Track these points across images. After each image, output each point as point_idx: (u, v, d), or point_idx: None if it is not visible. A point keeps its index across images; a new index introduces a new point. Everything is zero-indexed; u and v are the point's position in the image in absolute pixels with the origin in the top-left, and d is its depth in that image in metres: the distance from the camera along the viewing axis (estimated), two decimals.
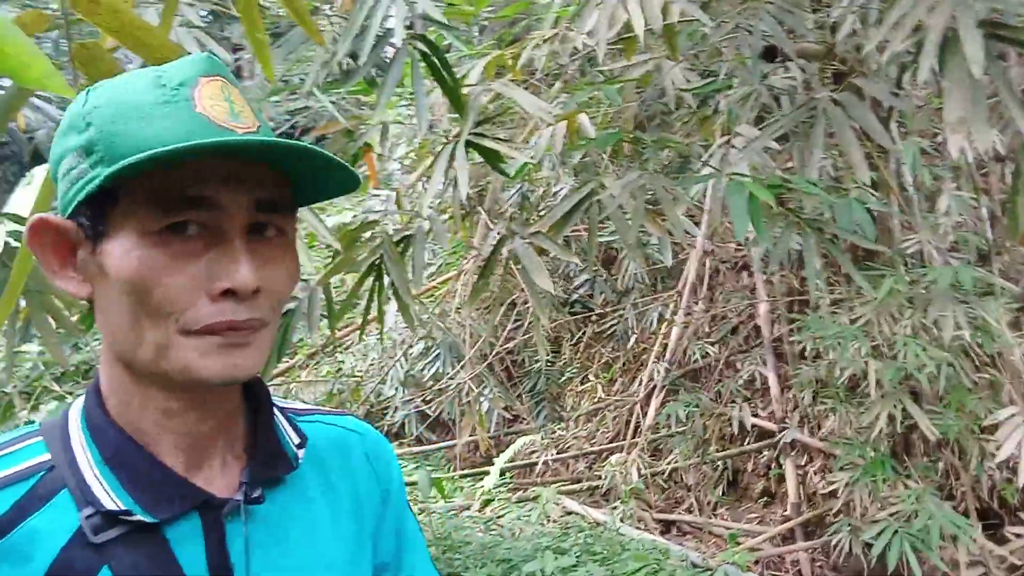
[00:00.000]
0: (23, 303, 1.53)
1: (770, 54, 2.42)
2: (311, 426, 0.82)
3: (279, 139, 0.64)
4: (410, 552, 0.87)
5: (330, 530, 0.77)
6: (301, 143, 0.64)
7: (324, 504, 0.77)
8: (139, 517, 0.65)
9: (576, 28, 2.37)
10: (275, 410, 0.78)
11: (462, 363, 5.23)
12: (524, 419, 6.08)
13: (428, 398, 6.31)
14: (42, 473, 0.66)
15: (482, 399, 5.31)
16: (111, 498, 0.65)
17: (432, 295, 6.22)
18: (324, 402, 4.73)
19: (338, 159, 0.67)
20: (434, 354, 6.14)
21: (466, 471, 5.88)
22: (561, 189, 4.65)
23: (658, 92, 2.95)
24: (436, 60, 2.03)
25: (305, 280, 2.55)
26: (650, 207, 2.29)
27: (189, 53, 0.74)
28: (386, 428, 7.29)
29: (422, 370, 6.22)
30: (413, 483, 4.85)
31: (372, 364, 5.72)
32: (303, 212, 2.24)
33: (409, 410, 6.88)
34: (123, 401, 0.69)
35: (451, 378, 5.60)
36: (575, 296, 6.54)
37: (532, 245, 2.26)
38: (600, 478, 4.85)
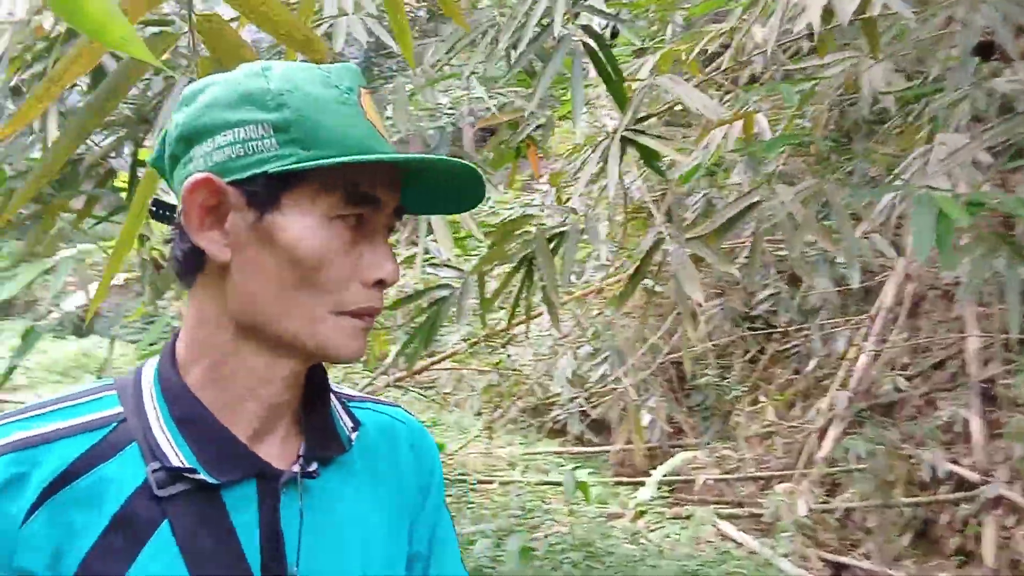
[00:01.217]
0: None
1: (985, 51, 2.09)
2: (362, 412, 0.85)
3: (444, 158, 0.71)
4: (442, 548, 0.88)
5: (373, 512, 0.79)
6: (463, 162, 0.71)
7: (370, 487, 0.80)
8: (201, 476, 0.67)
9: (762, 22, 2.19)
10: (331, 394, 0.81)
11: (626, 368, 5.09)
12: (687, 433, 5.83)
13: (593, 400, 6.25)
14: (114, 425, 0.69)
15: (643, 408, 5.14)
16: (177, 455, 0.68)
17: (605, 296, 6.14)
18: (483, 393, 4.80)
19: (484, 182, 0.74)
20: (602, 356, 6.08)
21: (623, 479, 5.74)
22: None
23: (856, 95, 2.67)
24: (600, 52, 1.95)
25: (459, 269, 2.59)
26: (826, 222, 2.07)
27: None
28: (549, 424, 7.33)
29: (589, 371, 6.17)
30: (559, 483, 4.81)
31: (540, 359, 5.73)
32: None
33: (573, 409, 6.88)
34: (212, 366, 0.71)
35: (616, 382, 5.49)
36: (757, 311, 6.19)
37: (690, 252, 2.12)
38: (763, 506, 4.53)
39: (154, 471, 0.67)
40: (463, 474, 5.45)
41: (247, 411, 0.72)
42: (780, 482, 4.74)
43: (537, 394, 6.92)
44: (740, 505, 4.99)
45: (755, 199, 2.15)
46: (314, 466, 0.74)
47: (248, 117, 0.67)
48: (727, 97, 2.59)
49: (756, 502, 4.85)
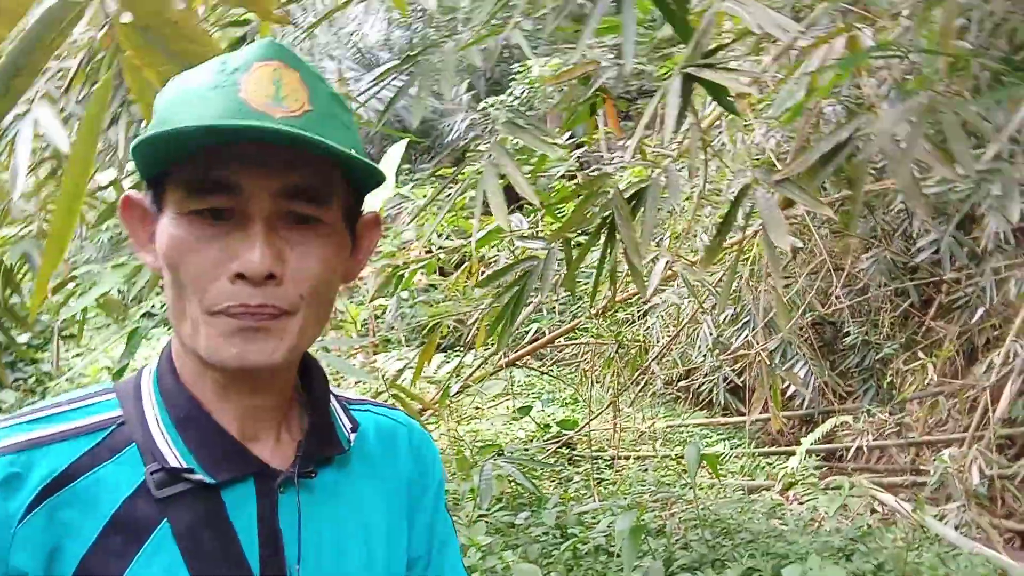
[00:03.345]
0: None
1: None
2: (363, 414, 0.84)
3: (291, 129, 0.62)
4: (442, 551, 0.88)
5: (372, 512, 0.79)
6: (302, 134, 0.62)
7: (369, 487, 0.80)
8: (200, 477, 0.68)
9: None
10: (331, 396, 0.81)
11: (767, 332, 4.75)
12: (843, 397, 5.39)
13: (737, 367, 5.92)
14: (113, 427, 0.70)
15: (789, 373, 4.79)
16: (175, 456, 0.68)
17: (747, 255, 5.78)
18: (605, 366, 4.65)
19: (356, 157, 0.65)
20: (743, 320, 5.75)
21: (771, 449, 5.41)
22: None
23: None
24: None
25: (541, 238, 2.46)
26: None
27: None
28: (691, 395, 7.05)
29: (732, 336, 5.87)
30: (707, 457, 4.57)
31: (671, 328, 5.48)
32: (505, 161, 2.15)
33: (717, 378, 6.57)
34: (187, 370, 0.73)
35: (762, 348, 5.16)
36: (918, 260, 5.59)
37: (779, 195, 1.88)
38: (927, 473, 4.09)
39: (152, 472, 0.67)
40: (599, 450, 5.35)
41: (227, 412, 0.72)
42: (947, 446, 4.26)
43: (680, 364, 6.68)
44: (902, 472, 4.55)
45: (854, 128, 1.87)
46: (311, 466, 0.74)
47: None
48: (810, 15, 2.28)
49: (920, 469, 4.39)
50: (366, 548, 0.77)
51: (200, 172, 0.65)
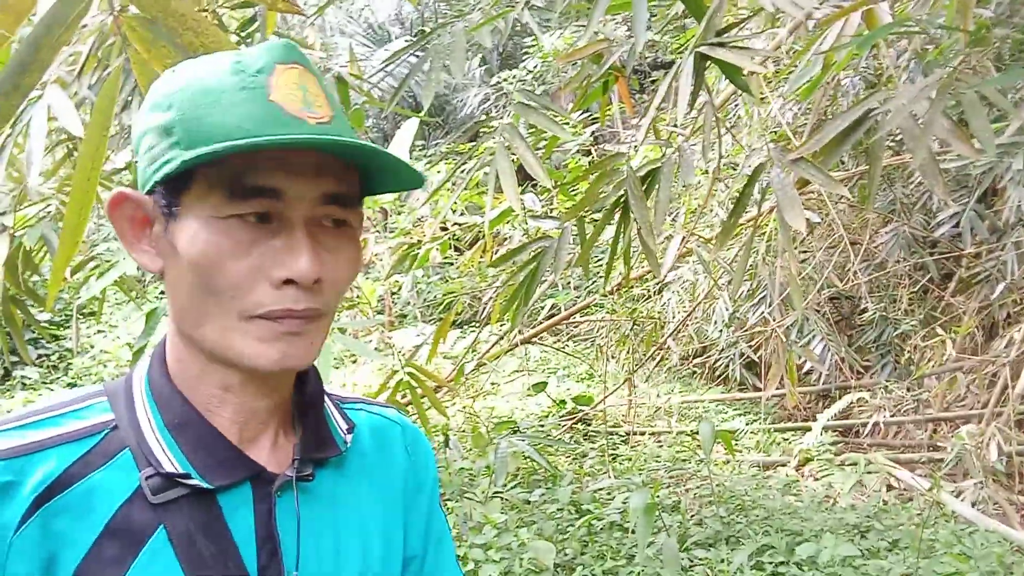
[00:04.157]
0: None
1: None
2: (356, 414, 0.84)
3: (344, 139, 0.63)
4: (437, 550, 0.87)
5: (369, 512, 0.79)
6: (368, 144, 0.64)
7: (365, 487, 0.80)
8: (196, 482, 0.67)
9: None
10: (324, 396, 0.81)
11: (781, 307, 4.72)
12: (860, 373, 5.35)
13: (753, 343, 5.90)
14: (106, 432, 0.69)
15: (805, 348, 4.76)
16: (171, 461, 0.68)
17: (763, 231, 5.73)
18: (620, 344, 4.64)
19: (402, 160, 0.66)
20: (760, 296, 5.72)
21: (787, 425, 5.39)
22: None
23: None
24: None
25: (555, 217, 2.45)
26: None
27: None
28: (706, 371, 7.03)
29: (748, 312, 5.84)
30: (721, 434, 4.57)
31: (687, 303, 5.46)
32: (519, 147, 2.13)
33: (733, 354, 6.55)
34: (185, 372, 0.71)
35: (778, 324, 5.13)
36: (938, 234, 5.51)
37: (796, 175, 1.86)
38: (944, 450, 4.07)
39: (147, 477, 0.67)
40: (614, 426, 5.36)
41: (224, 416, 0.71)
42: (965, 423, 4.23)
43: (695, 340, 6.66)
44: (919, 449, 4.53)
45: (871, 105, 1.84)
46: (309, 469, 0.73)
47: (151, 123, 0.66)
48: None
49: (937, 446, 4.37)
50: (363, 550, 0.76)
51: (239, 176, 0.63)
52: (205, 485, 0.67)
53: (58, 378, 7.22)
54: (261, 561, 0.69)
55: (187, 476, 0.67)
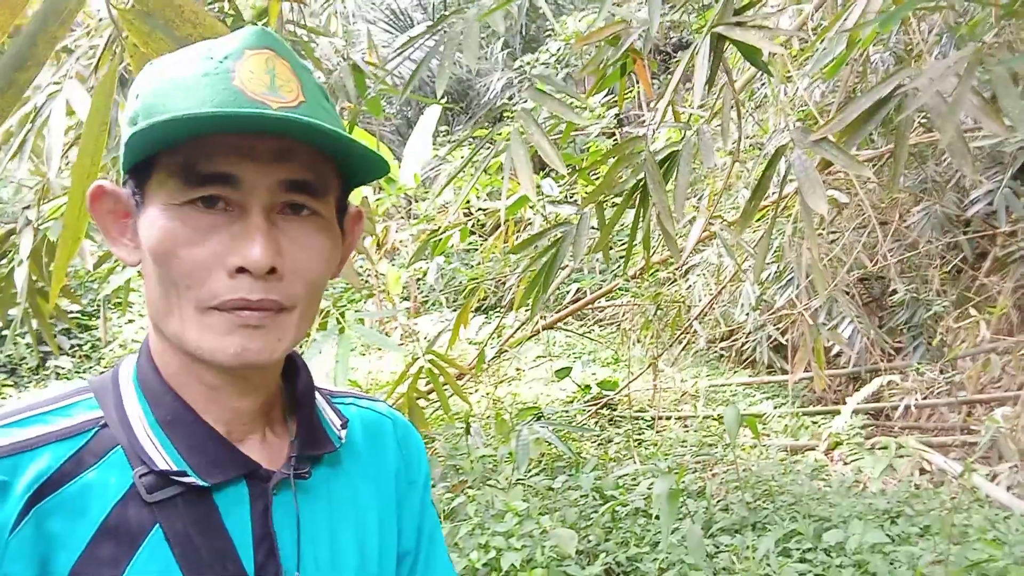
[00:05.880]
0: None
1: None
2: (347, 408, 0.83)
3: (299, 117, 0.60)
4: (429, 545, 0.87)
5: (364, 508, 0.78)
6: (326, 127, 0.61)
7: (359, 483, 0.79)
8: (192, 479, 0.66)
9: None
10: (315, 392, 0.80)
11: (810, 289, 4.65)
12: (890, 355, 5.26)
13: (780, 326, 5.82)
14: (95, 429, 0.67)
15: (834, 331, 4.69)
16: (164, 458, 0.66)
17: (789, 212, 5.64)
18: (643, 328, 4.60)
19: (365, 145, 0.64)
20: (787, 278, 5.64)
21: (816, 409, 5.32)
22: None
23: None
24: None
25: (573, 202, 2.42)
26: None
27: None
28: (734, 354, 6.96)
29: (775, 295, 5.76)
30: (754, 416, 4.53)
31: (712, 286, 5.40)
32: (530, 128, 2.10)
33: (760, 337, 6.47)
34: (169, 368, 0.70)
35: (805, 307, 5.05)
36: (971, 212, 5.37)
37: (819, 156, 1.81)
38: (978, 432, 3.99)
39: (141, 476, 0.65)
40: (640, 410, 5.33)
41: (214, 413, 0.70)
42: (1000, 405, 4.13)
43: (722, 323, 6.59)
44: (952, 431, 4.44)
45: (898, 83, 1.78)
46: (306, 467, 0.73)
47: (124, 116, 0.67)
48: None
49: (971, 429, 4.28)
50: (360, 547, 0.76)
51: (194, 162, 0.62)
52: (201, 483, 0.66)
53: (91, 367, 7.36)
54: (258, 560, 0.67)
55: (182, 474, 0.66)
